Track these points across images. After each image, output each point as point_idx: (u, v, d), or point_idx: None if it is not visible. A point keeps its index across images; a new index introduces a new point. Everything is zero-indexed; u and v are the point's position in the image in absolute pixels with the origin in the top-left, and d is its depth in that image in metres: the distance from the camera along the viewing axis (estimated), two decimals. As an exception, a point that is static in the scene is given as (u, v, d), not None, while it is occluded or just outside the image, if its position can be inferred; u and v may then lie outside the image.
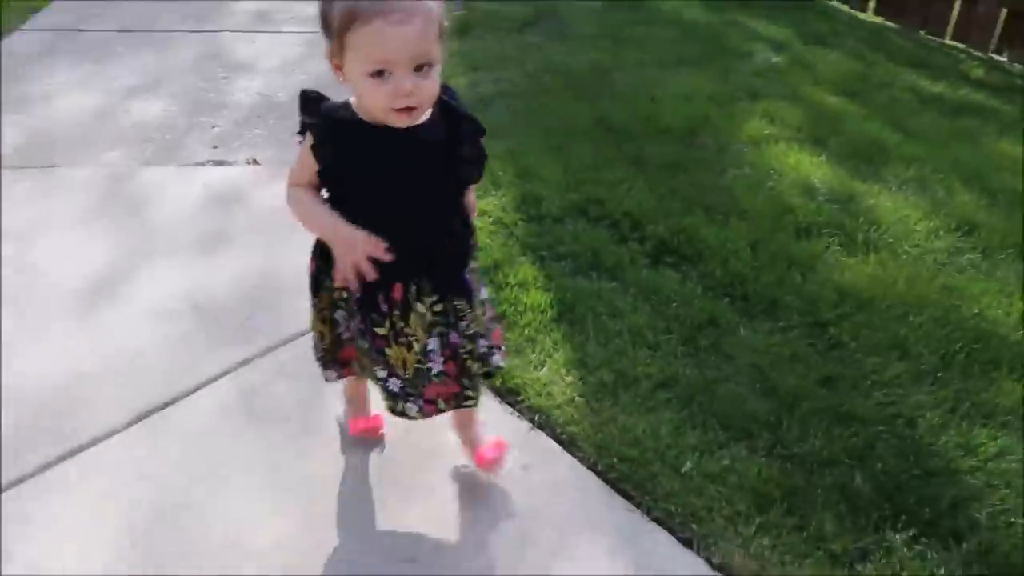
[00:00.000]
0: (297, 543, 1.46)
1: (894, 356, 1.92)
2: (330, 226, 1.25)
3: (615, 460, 1.60)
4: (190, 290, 2.10)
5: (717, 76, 3.71)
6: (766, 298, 2.09)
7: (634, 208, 2.44)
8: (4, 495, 1.51)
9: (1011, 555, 1.44)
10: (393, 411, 1.40)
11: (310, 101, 1.25)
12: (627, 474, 1.57)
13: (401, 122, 1.17)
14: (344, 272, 1.24)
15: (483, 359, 1.38)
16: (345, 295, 1.32)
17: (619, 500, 1.54)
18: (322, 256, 1.32)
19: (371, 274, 1.22)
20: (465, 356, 1.36)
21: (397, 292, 1.29)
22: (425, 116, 1.22)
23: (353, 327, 1.35)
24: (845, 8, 5.20)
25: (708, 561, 1.43)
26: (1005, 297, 2.17)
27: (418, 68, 1.14)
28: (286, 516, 1.51)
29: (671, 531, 1.48)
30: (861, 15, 5.08)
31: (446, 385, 1.36)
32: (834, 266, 2.26)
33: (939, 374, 1.88)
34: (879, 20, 4.98)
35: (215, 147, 2.88)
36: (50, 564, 1.40)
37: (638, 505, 1.52)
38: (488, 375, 1.47)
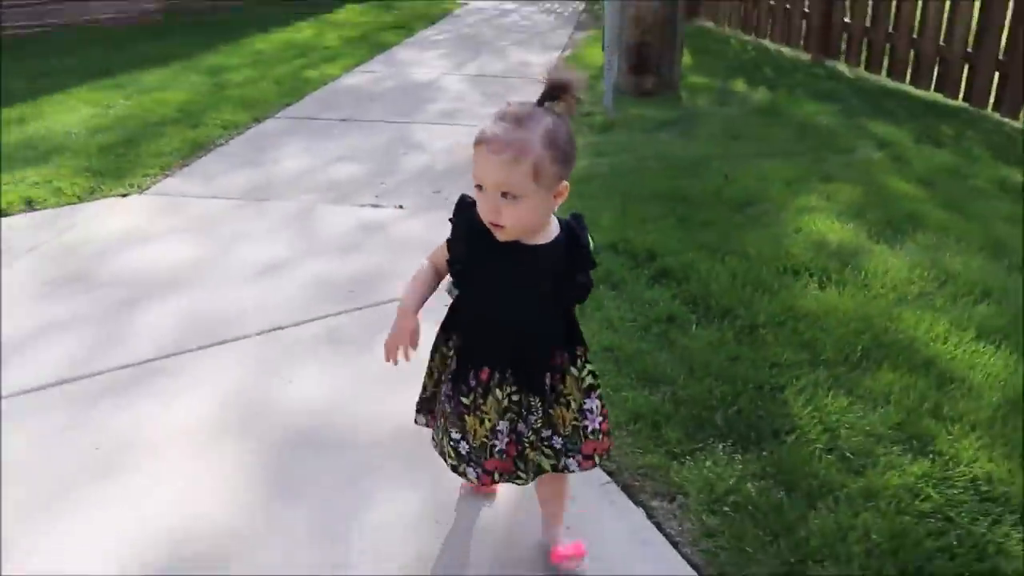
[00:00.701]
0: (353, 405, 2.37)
1: (802, 351, 2.51)
2: (401, 304, 1.56)
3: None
4: (323, 272, 3.17)
5: (806, 165, 4.33)
6: (723, 309, 2.75)
7: (655, 246, 3.19)
8: (170, 360, 2.58)
9: (795, 468, 2.03)
10: (455, 470, 1.61)
11: (463, 206, 1.51)
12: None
13: (497, 235, 1.42)
14: (387, 344, 1.55)
15: (556, 455, 1.59)
16: (449, 362, 1.60)
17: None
18: (445, 327, 1.63)
19: (392, 355, 1.53)
20: (527, 444, 1.56)
21: (484, 374, 1.52)
22: (549, 238, 1.48)
23: (444, 391, 1.60)
24: (995, 116, 5.52)
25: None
26: (942, 323, 2.64)
27: (504, 194, 1.37)
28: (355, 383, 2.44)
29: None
30: (1015, 123, 5.36)
31: (504, 462, 1.56)
32: (798, 295, 2.86)
33: (831, 365, 2.44)
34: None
35: (377, 196, 4.04)
36: (187, 421, 2.42)
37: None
38: (555, 468, 1.61)
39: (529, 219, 1.42)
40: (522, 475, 1.59)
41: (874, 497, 1.90)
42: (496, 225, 1.40)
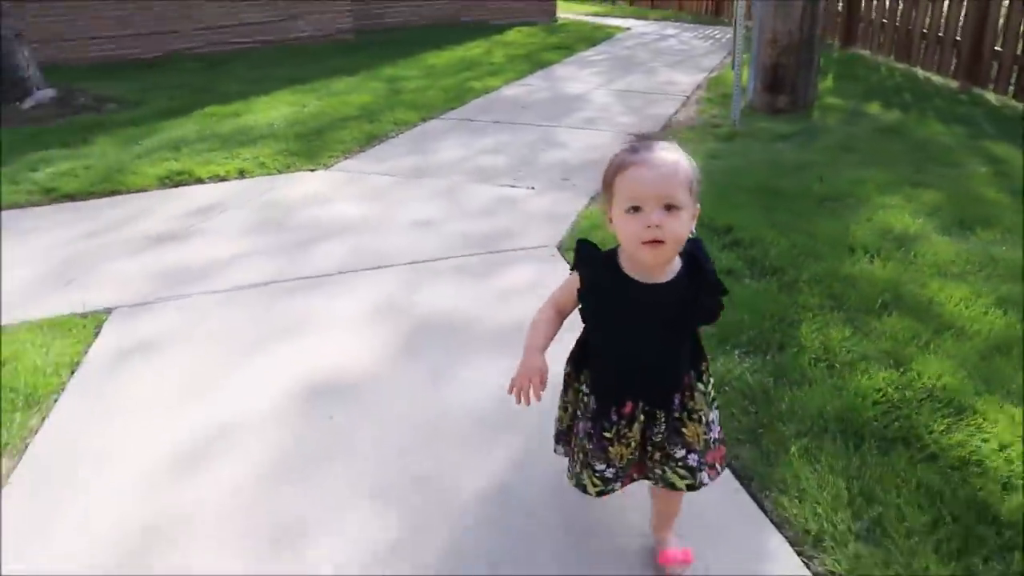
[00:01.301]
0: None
1: (830, 299, 3.13)
2: (527, 348, 1.64)
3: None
4: (461, 229, 4.09)
5: (905, 174, 4.83)
6: (775, 268, 3.41)
7: (734, 223, 3.88)
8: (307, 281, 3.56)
9: (789, 368, 2.68)
10: (601, 495, 1.73)
11: (584, 252, 1.61)
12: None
13: (649, 257, 1.46)
14: (515, 384, 1.61)
15: (692, 473, 1.67)
16: (586, 400, 1.68)
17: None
18: (573, 363, 1.74)
19: (522, 397, 1.60)
20: (652, 446, 1.67)
21: (627, 408, 1.62)
22: (674, 272, 1.53)
23: (582, 428, 1.68)
24: None
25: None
26: (963, 290, 3.18)
27: (667, 207, 1.42)
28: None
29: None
30: None
31: (640, 464, 1.71)
32: (846, 264, 3.48)
33: (849, 310, 3.05)
34: None
35: (514, 179, 4.95)
36: (348, 312, 3.37)
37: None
38: (690, 487, 1.69)
39: (685, 232, 1.46)
40: (650, 475, 1.72)
41: (841, 389, 2.54)
42: (656, 242, 1.43)
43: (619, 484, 1.71)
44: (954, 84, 7.85)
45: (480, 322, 3.10)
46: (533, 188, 4.75)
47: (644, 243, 1.44)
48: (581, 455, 1.69)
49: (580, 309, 1.63)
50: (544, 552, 1.94)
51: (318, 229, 4.12)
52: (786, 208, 4.14)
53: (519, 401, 1.60)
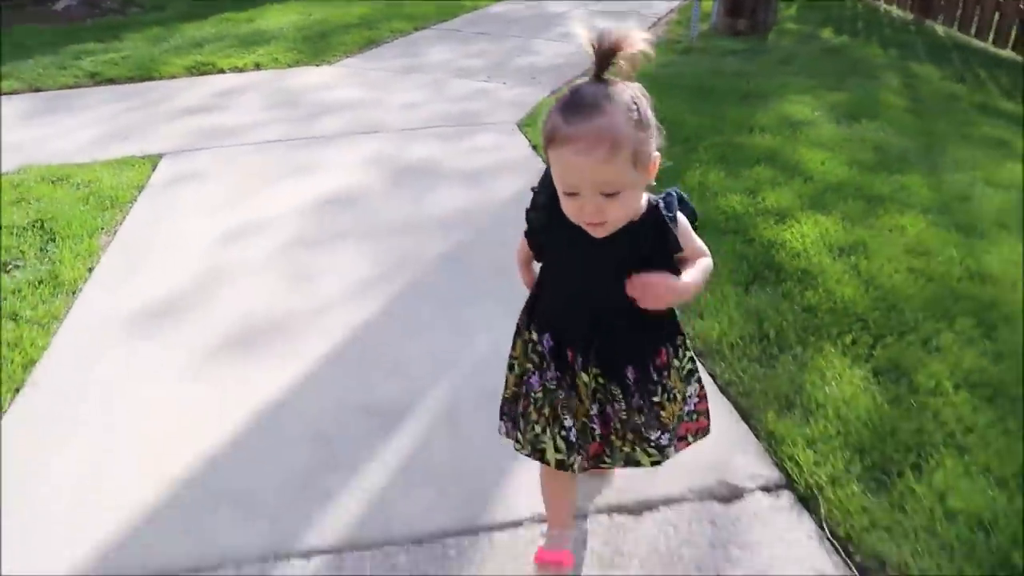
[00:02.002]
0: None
1: (716, 158, 4.20)
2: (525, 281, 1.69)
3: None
4: (441, 110, 5.14)
5: (827, 82, 5.84)
6: (684, 138, 4.49)
7: (661, 109, 4.95)
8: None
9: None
10: (562, 466, 1.59)
11: (546, 180, 1.48)
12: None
13: (595, 233, 1.38)
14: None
15: (661, 451, 1.63)
16: (540, 349, 1.58)
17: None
18: (527, 309, 1.63)
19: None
20: (613, 430, 1.59)
21: (570, 355, 1.54)
22: (636, 215, 1.41)
23: (553, 375, 1.57)
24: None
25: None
26: (829, 156, 4.25)
27: (605, 194, 1.31)
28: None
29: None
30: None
31: (600, 444, 1.62)
32: (740, 137, 4.55)
33: (729, 165, 4.14)
34: None
35: (489, 76, 5.99)
36: (348, 160, 4.46)
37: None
38: (655, 463, 1.65)
39: (633, 208, 1.38)
40: (607, 460, 1.63)
41: (702, 206, 3.63)
42: (597, 224, 1.36)
43: (579, 458, 1.60)
44: (909, 16, 8.81)
45: (448, 166, 4.18)
46: (505, 83, 5.79)
47: (587, 223, 1.37)
48: (547, 410, 1.59)
49: (526, 233, 1.61)
50: (486, 287, 3.03)
51: (324, 107, 5.18)
52: (711, 102, 5.19)
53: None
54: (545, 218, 1.51)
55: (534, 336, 1.60)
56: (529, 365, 1.62)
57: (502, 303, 2.42)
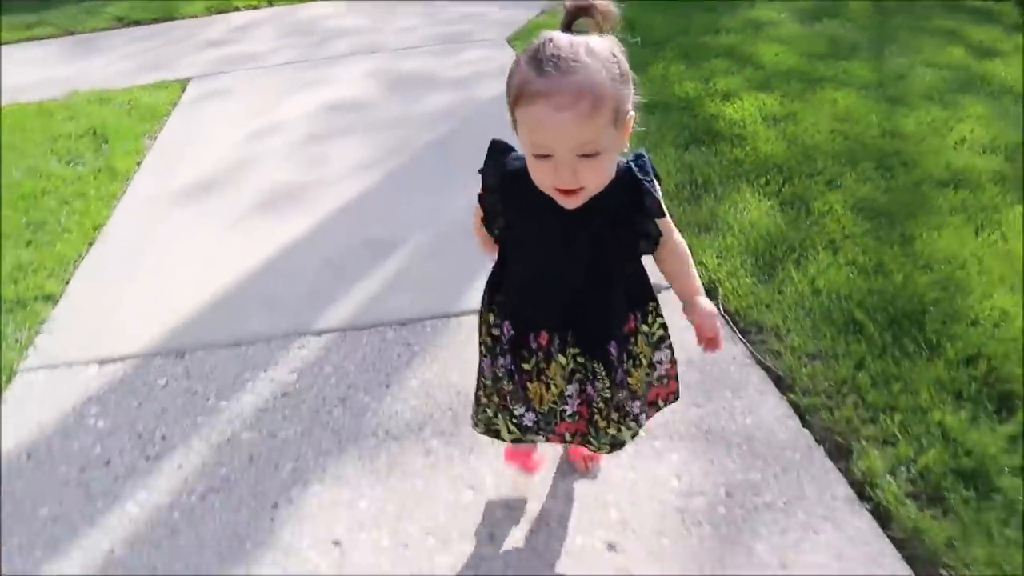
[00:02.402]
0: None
1: (679, 55, 4.77)
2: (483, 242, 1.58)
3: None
4: (433, 32, 5.74)
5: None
6: (654, 41, 5.05)
7: (635, 17, 5.49)
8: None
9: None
10: (518, 442, 1.64)
11: (495, 153, 1.40)
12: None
13: (567, 203, 1.27)
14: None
15: (636, 421, 1.59)
16: (496, 332, 1.53)
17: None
18: (488, 288, 1.57)
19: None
20: (596, 410, 1.54)
21: (543, 338, 1.47)
22: (607, 181, 1.30)
23: (493, 366, 1.55)
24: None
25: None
26: (785, 49, 4.79)
27: (583, 155, 1.20)
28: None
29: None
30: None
31: (576, 424, 1.57)
32: (705, 38, 5.10)
33: (690, 60, 4.70)
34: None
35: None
36: (350, 76, 5.08)
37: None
38: (634, 436, 1.64)
39: (610, 172, 1.29)
40: (593, 441, 1.59)
41: (660, 93, 4.21)
42: (571, 191, 1.25)
43: (542, 437, 1.61)
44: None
45: (440, 76, 4.80)
46: (498, 7, 6.35)
47: (560, 191, 1.27)
48: (496, 398, 1.58)
49: (484, 220, 1.50)
50: (466, 162, 3.65)
51: (330, 34, 5.81)
52: (681, 10, 5.72)
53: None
54: (498, 200, 1.44)
55: (492, 320, 1.55)
56: (482, 348, 1.59)
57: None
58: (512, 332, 1.51)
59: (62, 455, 2.14)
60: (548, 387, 1.53)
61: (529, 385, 1.53)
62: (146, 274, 2.92)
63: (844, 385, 2.22)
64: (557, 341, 1.48)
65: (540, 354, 1.50)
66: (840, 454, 2.03)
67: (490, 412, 1.64)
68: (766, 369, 2.32)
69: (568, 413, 1.55)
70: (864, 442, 2.04)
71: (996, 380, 2.19)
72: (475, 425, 1.71)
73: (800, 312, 2.53)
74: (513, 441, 1.66)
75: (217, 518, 1.93)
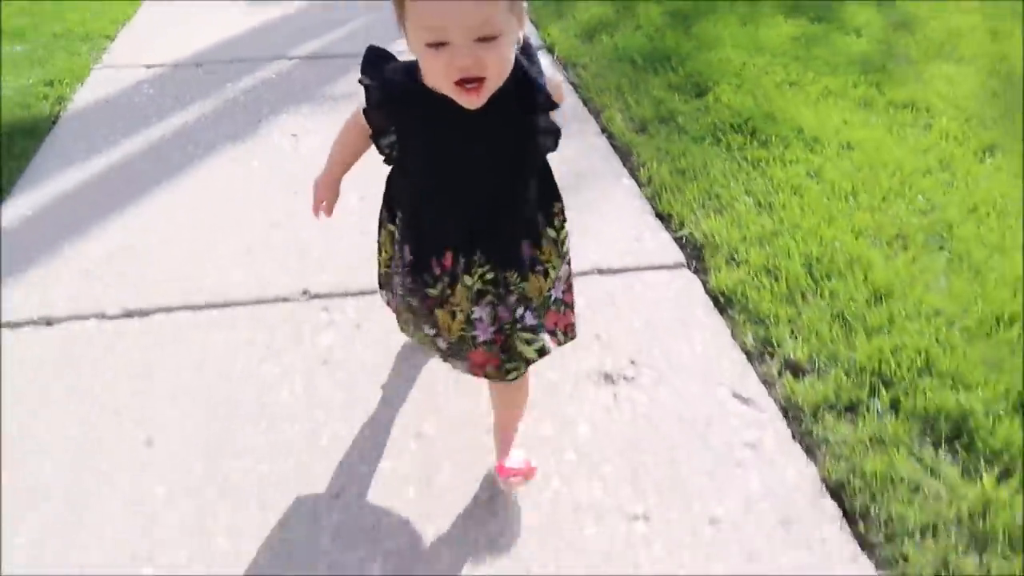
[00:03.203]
0: None
1: None
2: (329, 161, 1.52)
3: None
4: None
5: None
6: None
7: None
8: None
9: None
10: (445, 361, 1.57)
11: (373, 61, 1.33)
12: None
13: (467, 102, 1.21)
14: (314, 203, 1.56)
15: (535, 333, 1.47)
16: (400, 250, 1.46)
17: None
18: (386, 201, 1.52)
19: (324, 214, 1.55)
20: (509, 331, 1.44)
21: (447, 260, 1.39)
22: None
23: (405, 284, 1.46)
24: None
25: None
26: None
27: (482, 39, 1.15)
28: None
29: None
30: None
31: (491, 354, 1.46)
32: None
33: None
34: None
35: None
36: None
37: None
38: (540, 353, 1.50)
39: (510, 62, 1.24)
40: (510, 367, 1.49)
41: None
42: (474, 81, 1.19)
43: (464, 365, 1.54)
44: None
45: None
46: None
47: (459, 85, 1.19)
48: (410, 315, 1.53)
49: (371, 136, 1.39)
50: None
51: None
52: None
53: (317, 215, 1.55)
54: (385, 116, 1.36)
55: (397, 235, 1.49)
56: (393, 261, 1.54)
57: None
58: (411, 257, 1.44)
59: (127, 109, 3.57)
60: (454, 315, 1.45)
61: (437, 312, 1.46)
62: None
63: (613, 90, 3.65)
64: (463, 261, 1.41)
65: (446, 279, 1.42)
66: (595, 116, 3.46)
67: (411, 328, 1.60)
68: (574, 86, 3.74)
69: (480, 340, 1.46)
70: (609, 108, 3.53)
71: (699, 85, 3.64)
72: (402, 331, 1.68)
73: (602, 59, 4.01)
74: (442, 359, 1.62)
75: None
